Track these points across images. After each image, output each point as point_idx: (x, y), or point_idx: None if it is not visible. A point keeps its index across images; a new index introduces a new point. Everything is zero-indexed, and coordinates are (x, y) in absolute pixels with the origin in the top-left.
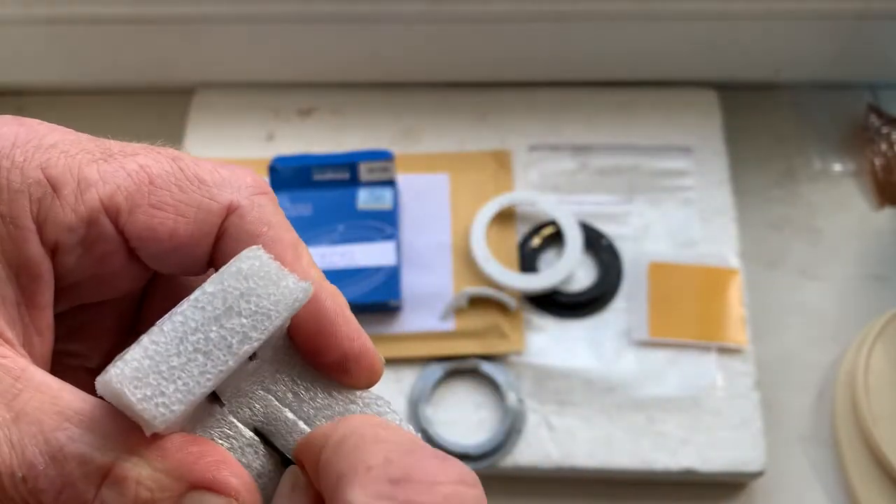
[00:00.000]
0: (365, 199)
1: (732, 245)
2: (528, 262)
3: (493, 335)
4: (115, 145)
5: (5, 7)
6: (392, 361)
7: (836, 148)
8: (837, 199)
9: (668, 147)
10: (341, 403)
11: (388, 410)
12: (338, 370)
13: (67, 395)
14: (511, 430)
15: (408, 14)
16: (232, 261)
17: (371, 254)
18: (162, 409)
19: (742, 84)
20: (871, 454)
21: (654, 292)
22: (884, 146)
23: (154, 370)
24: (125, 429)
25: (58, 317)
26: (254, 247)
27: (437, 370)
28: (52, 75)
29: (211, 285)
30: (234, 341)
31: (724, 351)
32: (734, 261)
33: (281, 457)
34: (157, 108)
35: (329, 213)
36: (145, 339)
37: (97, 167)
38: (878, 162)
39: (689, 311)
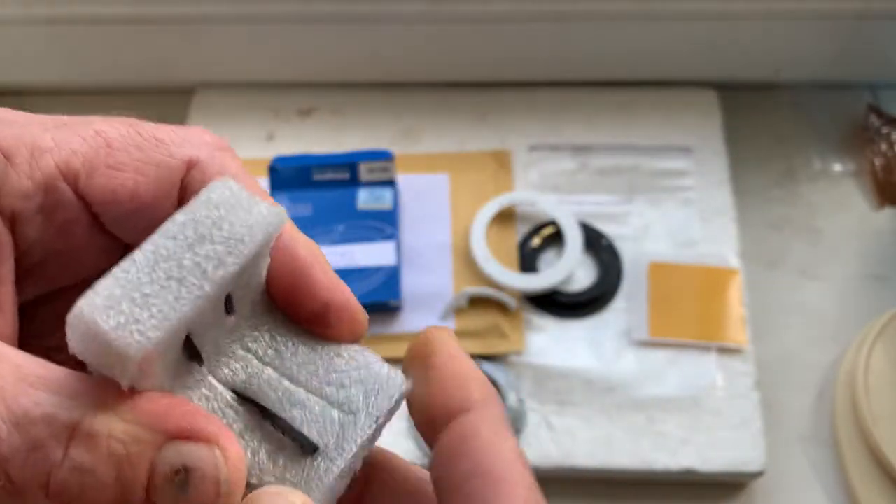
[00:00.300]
0: (365, 199)
1: (732, 245)
2: (528, 262)
3: (493, 335)
4: (68, 117)
5: (5, 7)
6: (392, 361)
7: (836, 148)
8: (837, 199)
9: (668, 147)
10: (325, 358)
11: (374, 360)
12: (319, 322)
13: (31, 364)
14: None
15: (408, 14)
16: (202, 191)
17: (371, 254)
18: (138, 337)
19: (742, 84)
20: (871, 454)
21: (654, 292)
22: (884, 146)
23: (127, 298)
24: (93, 387)
25: (41, 308)
26: (223, 177)
27: None
28: (52, 75)
29: (182, 215)
30: (208, 267)
31: (724, 351)
32: (734, 261)
33: (265, 418)
34: (157, 108)
35: (329, 213)
36: (116, 270)
37: (51, 135)
38: (878, 162)
39: (689, 311)
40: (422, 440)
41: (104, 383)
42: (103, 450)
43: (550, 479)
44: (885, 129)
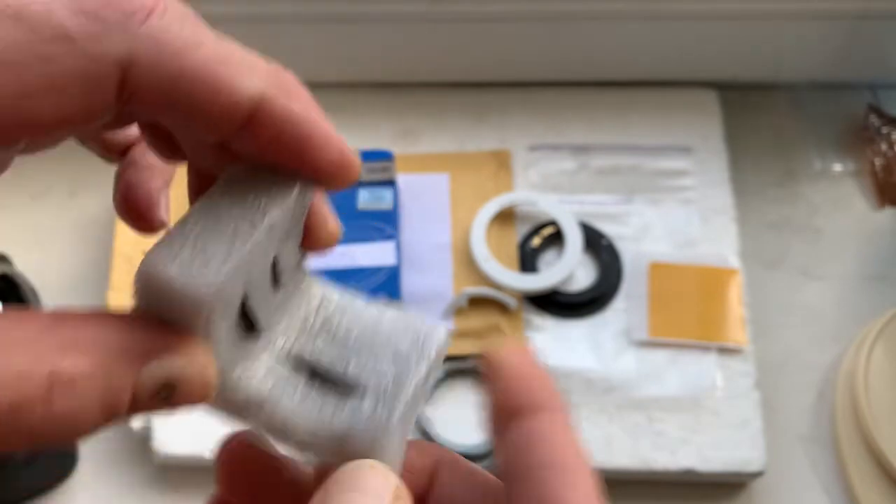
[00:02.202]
0: (365, 199)
1: (732, 245)
2: (528, 262)
3: (493, 335)
4: None
5: None
6: None
7: (836, 148)
8: (837, 199)
9: (668, 147)
10: (370, 318)
11: (415, 317)
12: (323, 177)
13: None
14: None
15: (408, 14)
16: (224, 175)
17: (371, 254)
18: (203, 280)
19: (742, 84)
20: (871, 454)
21: (654, 292)
22: (884, 146)
23: (187, 248)
24: (65, 328)
25: None
26: (238, 164)
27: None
28: None
29: (227, 174)
30: (256, 216)
31: (724, 351)
32: (734, 260)
33: (325, 381)
34: None
35: None
36: (171, 229)
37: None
38: (878, 162)
39: (689, 311)
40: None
41: (64, 320)
42: (85, 391)
43: None
44: (885, 129)
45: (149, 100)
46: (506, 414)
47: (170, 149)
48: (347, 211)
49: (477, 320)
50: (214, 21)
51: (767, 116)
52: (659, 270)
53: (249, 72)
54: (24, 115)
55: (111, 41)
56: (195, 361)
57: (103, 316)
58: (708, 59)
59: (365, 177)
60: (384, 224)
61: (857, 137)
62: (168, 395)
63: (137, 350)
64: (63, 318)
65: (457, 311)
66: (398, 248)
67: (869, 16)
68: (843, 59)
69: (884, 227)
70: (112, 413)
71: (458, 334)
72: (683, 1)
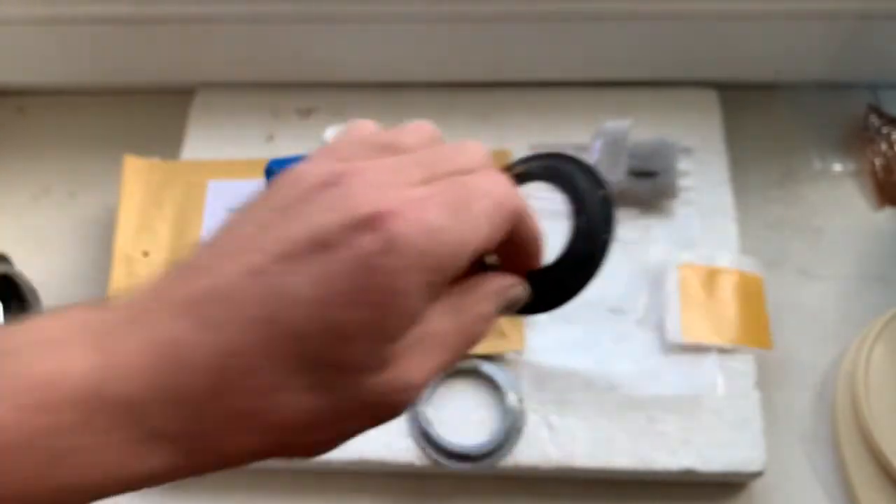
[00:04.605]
0: None
1: (732, 245)
2: None
3: (492, 334)
4: None
5: (5, 7)
6: None
7: (836, 148)
8: (837, 199)
9: None
10: None
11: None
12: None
13: None
14: (511, 431)
15: (408, 14)
16: None
17: None
18: None
19: (742, 84)
20: (871, 454)
21: (684, 294)
22: (884, 146)
23: None
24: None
25: None
26: None
27: None
28: (52, 75)
29: None
30: None
31: (724, 351)
32: (744, 262)
33: None
34: (157, 108)
35: None
36: None
37: None
38: (878, 162)
39: (721, 314)
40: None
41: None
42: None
43: (550, 479)
44: (885, 129)
45: (514, 239)
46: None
47: None
48: None
49: None
50: (215, 21)
51: (767, 116)
52: (688, 272)
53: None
54: (488, 244)
55: (515, 201)
56: (521, 287)
57: (487, 275)
58: (708, 59)
59: None
60: None
61: (857, 137)
62: (512, 305)
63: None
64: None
65: None
66: None
67: (869, 16)
68: (843, 59)
69: (884, 227)
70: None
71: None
72: (683, 1)
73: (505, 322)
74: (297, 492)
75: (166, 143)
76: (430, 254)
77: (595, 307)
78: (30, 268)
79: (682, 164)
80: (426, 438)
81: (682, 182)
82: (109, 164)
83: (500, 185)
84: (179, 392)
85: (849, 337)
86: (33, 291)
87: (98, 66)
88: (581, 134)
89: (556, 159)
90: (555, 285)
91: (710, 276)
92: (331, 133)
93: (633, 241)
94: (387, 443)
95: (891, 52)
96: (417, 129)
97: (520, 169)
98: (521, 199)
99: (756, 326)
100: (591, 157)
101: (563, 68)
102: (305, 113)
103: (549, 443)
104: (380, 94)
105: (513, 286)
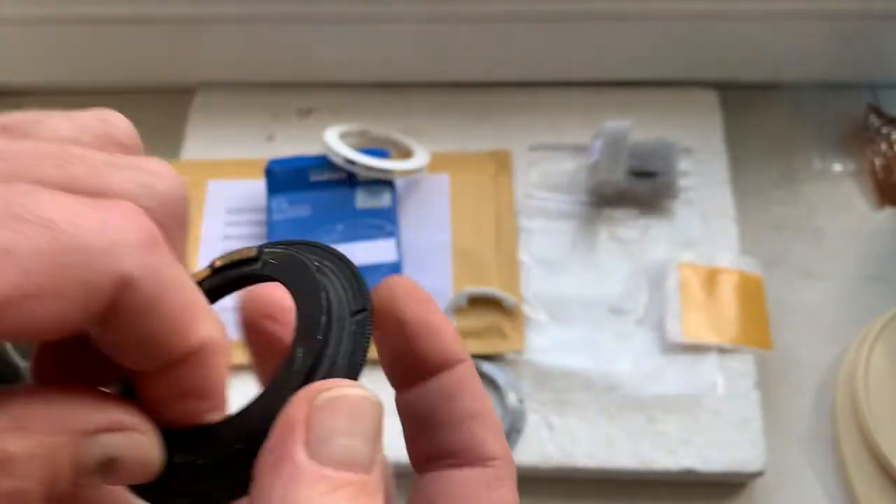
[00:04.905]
0: (363, 197)
1: (733, 245)
2: None
3: (493, 335)
4: None
5: (5, 7)
6: None
7: (836, 148)
8: (837, 199)
9: None
10: None
11: None
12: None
13: None
14: (511, 430)
15: (408, 14)
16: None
17: (372, 251)
18: None
19: (742, 84)
20: (871, 454)
21: (684, 294)
22: (884, 146)
23: None
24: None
25: None
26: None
27: None
28: (52, 75)
29: None
30: None
31: (724, 351)
32: (744, 262)
33: None
34: (157, 108)
35: (328, 213)
36: None
37: None
38: (878, 162)
39: (722, 314)
40: None
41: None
42: (25, 471)
43: (550, 479)
44: (885, 129)
45: (122, 322)
46: (427, 366)
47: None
48: (346, 210)
49: (477, 320)
50: (215, 21)
51: (767, 116)
52: (688, 272)
53: (205, 320)
54: (21, 315)
55: (120, 259)
56: (136, 440)
57: (47, 390)
58: (708, 59)
59: (363, 176)
60: (384, 221)
61: (857, 137)
62: (109, 472)
63: (80, 426)
64: (8, 395)
65: (457, 310)
66: (399, 246)
67: (869, 16)
68: (843, 59)
69: (884, 227)
70: (52, 488)
71: (459, 334)
72: (684, 1)
73: (505, 323)
74: None
75: (166, 142)
76: None
77: (595, 307)
78: None
79: (682, 164)
80: None
81: (682, 182)
82: None
83: (116, 216)
84: None
85: (849, 337)
86: None
87: (98, 65)
88: (581, 134)
89: (309, 251)
90: (219, 463)
91: (711, 276)
92: (331, 133)
93: (633, 241)
94: (386, 443)
95: (891, 52)
96: (74, 118)
97: (222, 262)
98: (161, 256)
99: (756, 326)
100: (591, 157)
101: (563, 68)
102: (305, 113)
103: (549, 443)
104: (380, 94)
105: (110, 425)
